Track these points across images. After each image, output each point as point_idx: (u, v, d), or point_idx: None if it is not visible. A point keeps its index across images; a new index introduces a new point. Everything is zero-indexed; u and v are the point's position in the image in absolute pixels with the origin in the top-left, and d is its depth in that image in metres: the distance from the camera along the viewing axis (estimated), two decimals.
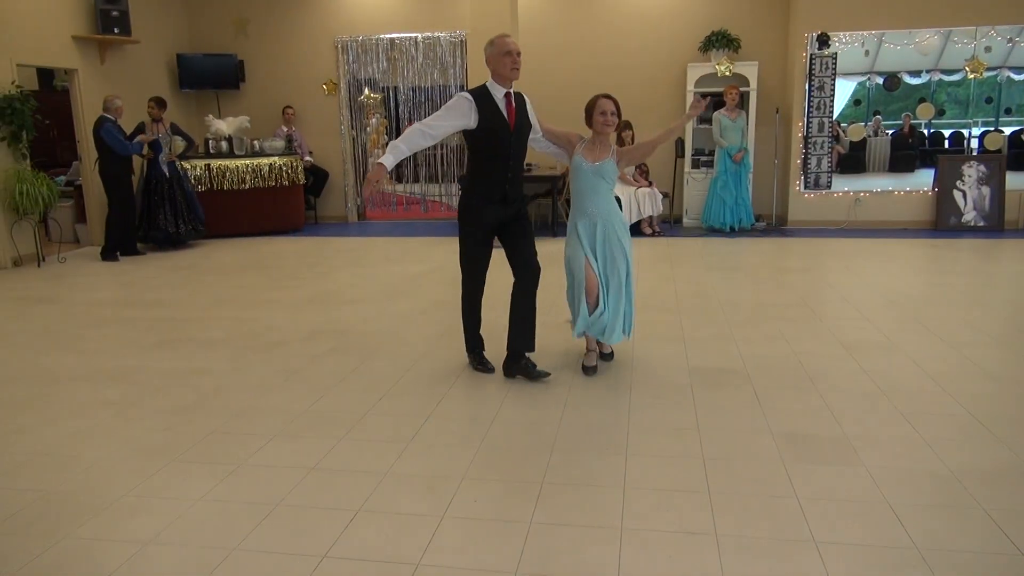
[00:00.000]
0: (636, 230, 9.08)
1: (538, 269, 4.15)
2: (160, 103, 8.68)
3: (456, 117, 3.92)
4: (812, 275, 6.87)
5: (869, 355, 4.48)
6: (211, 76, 10.65)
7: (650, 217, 9.12)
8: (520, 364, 4.13)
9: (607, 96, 4.29)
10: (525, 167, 10.32)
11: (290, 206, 10.09)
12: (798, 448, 3.25)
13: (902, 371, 4.21)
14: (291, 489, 2.97)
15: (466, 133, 3.99)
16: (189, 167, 9.39)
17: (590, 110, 4.30)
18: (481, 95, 3.95)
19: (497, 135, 3.96)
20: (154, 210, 8.71)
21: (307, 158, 10.53)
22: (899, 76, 10.23)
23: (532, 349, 4.15)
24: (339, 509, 2.80)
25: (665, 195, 9.52)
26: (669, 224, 9.77)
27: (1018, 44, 9.11)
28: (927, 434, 3.35)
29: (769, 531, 2.60)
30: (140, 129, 8.58)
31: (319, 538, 2.61)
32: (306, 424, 3.64)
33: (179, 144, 8.99)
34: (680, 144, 9.70)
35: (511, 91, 4.02)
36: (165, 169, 8.74)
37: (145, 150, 8.59)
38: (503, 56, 3.93)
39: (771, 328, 5.05)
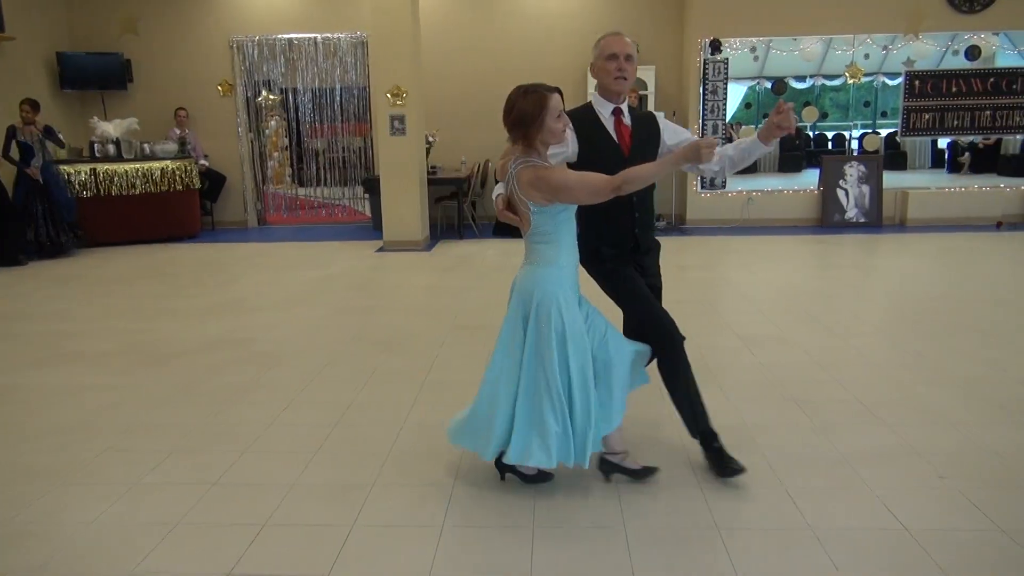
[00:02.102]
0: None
1: (679, 340, 3.05)
2: (34, 105, 8.19)
3: (558, 146, 2.90)
4: (710, 272, 7.13)
5: (765, 348, 4.69)
6: (95, 76, 10.09)
7: None
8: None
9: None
10: (430, 169, 10.11)
11: (185, 211, 9.69)
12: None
13: (795, 362, 4.42)
14: (192, 506, 2.85)
15: (571, 166, 2.97)
16: (72, 171, 8.89)
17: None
18: (581, 115, 3.01)
19: (600, 162, 2.88)
20: (29, 219, 8.21)
21: (202, 162, 10.15)
22: (786, 81, 10.75)
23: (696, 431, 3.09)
24: (244, 524, 2.71)
25: None
26: None
27: (891, 51, 9.74)
28: (819, 420, 3.53)
29: (676, 523, 2.68)
30: (11, 134, 8.07)
31: (223, 556, 2.52)
32: (206, 438, 3.50)
33: (57, 149, 8.50)
34: None
35: (624, 107, 3.03)
36: (39, 176, 8.24)
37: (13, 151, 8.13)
38: (605, 61, 2.96)
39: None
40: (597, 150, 2.99)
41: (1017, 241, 8.44)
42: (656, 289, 3.29)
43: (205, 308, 6.01)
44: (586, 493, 2.91)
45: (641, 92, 9.40)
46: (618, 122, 3.02)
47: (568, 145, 2.93)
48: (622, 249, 3.13)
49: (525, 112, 2.64)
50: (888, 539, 2.54)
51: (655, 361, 3.08)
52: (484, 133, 10.05)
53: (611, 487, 2.94)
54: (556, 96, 2.66)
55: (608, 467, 2.99)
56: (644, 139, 3.04)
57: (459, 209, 9.28)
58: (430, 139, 9.39)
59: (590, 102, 3.08)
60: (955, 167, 11.59)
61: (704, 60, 9.40)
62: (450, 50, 10.05)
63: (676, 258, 7.76)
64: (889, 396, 3.86)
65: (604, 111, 3.02)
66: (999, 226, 9.24)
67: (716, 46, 9.31)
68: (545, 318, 2.76)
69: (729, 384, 4.05)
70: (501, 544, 2.56)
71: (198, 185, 9.81)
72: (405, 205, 8.48)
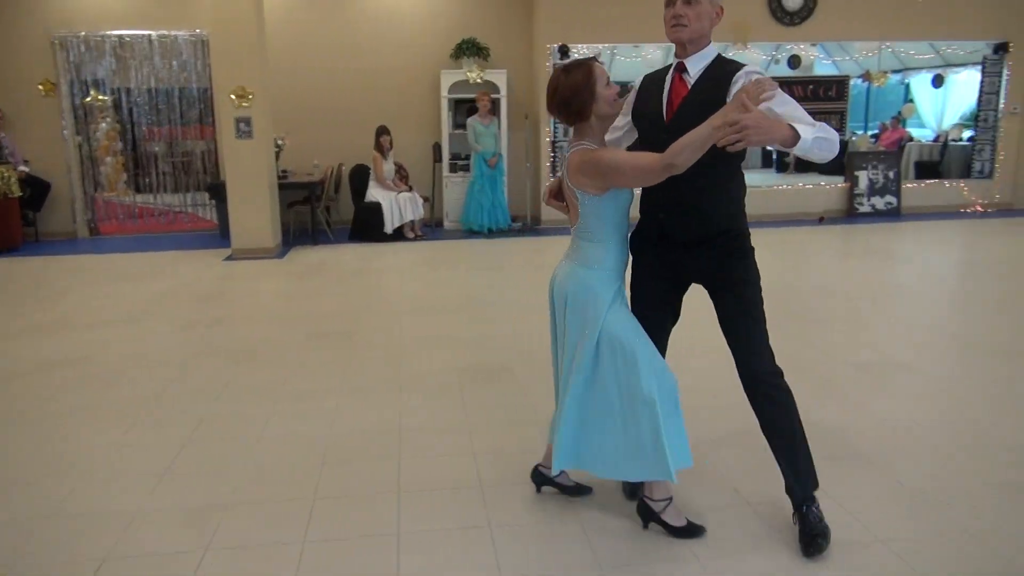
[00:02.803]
0: (399, 234, 9.11)
1: (762, 376, 2.53)
2: None
3: (620, 119, 2.68)
4: None
5: None
6: None
7: (412, 221, 9.21)
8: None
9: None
10: (280, 173, 9.71)
11: (3, 222, 8.82)
12: None
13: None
14: (20, 544, 2.59)
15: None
16: None
17: None
18: (651, 77, 2.62)
19: (644, 131, 2.61)
20: None
21: (22, 168, 9.26)
22: (629, 86, 11.24)
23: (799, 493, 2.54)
24: (80, 562, 2.50)
25: (425, 199, 9.65)
26: (431, 227, 9.91)
27: None
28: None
29: (543, 516, 2.73)
30: None
31: None
32: (37, 469, 3.20)
33: None
34: (438, 149, 9.88)
35: (691, 61, 2.47)
36: None
37: None
38: (664, 9, 2.47)
39: (536, 323, 5.31)
40: (643, 116, 2.60)
41: (837, 233, 9.26)
42: (730, 313, 2.53)
43: (34, 326, 5.50)
44: (454, 495, 2.90)
45: (494, 96, 9.52)
46: (676, 81, 2.49)
47: (628, 116, 2.64)
48: (643, 236, 2.65)
49: (575, 85, 2.42)
50: (738, 515, 2.70)
51: None
52: (337, 135, 9.83)
53: (474, 484, 2.96)
54: (599, 63, 2.49)
55: (540, 478, 2.87)
56: (699, 102, 2.37)
57: (313, 214, 9.03)
58: (279, 142, 9.06)
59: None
60: (782, 167, 12.54)
61: (554, 65, 9.65)
62: (300, 49, 9.74)
63: (534, 258, 7.92)
64: (726, 382, 4.11)
65: (671, 69, 2.52)
66: (821, 220, 10.11)
67: (564, 51, 9.58)
68: (583, 317, 2.52)
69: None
70: (365, 555, 2.51)
71: (18, 193, 8.95)
72: (254, 211, 8.14)
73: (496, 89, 9.66)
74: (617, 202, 2.49)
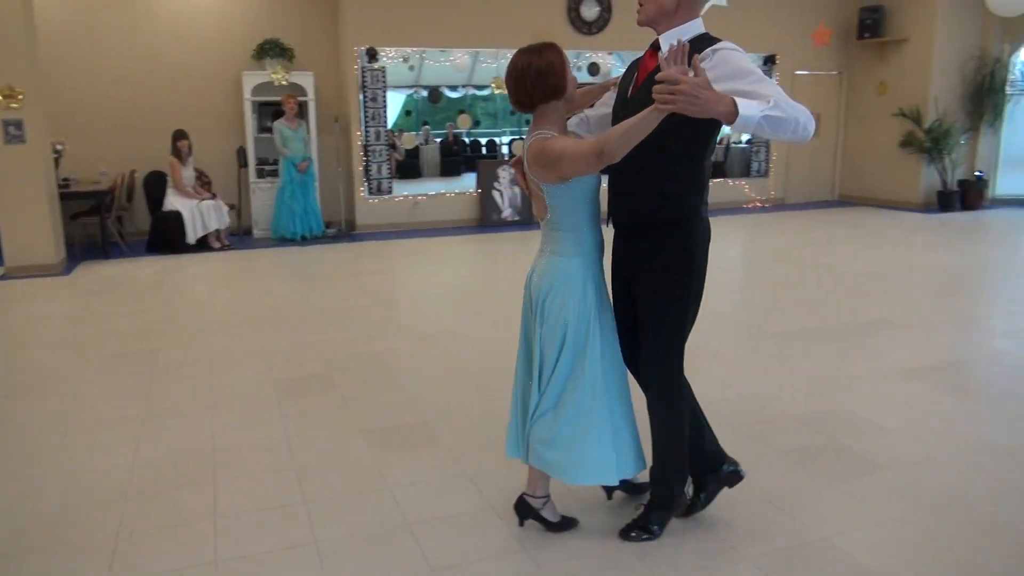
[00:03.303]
0: (204, 245, 8.58)
1: (653, 387, 2.53)
2: None
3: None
4: (385, 276, 7.25)
5: (442, 343, 4.89)
6: None
7: (217, 230, 8.70)
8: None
9: None
10: (61, 182, 8.86)
11: None
12: (386, 440, 3.41)
13: (470, 354, 4.69)
14: None
15: None
16: None
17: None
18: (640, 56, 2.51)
19: (615, 109, 2.53)
20: None
21: None
22: (440, 90, 11.34)
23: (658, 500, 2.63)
24: None
25: (231, 207, 9.16)
26: (239, 236, 9.42)
27: None
28: (495, 404, 3.79)
29: (366, 526, 2.68)
30: None
31: None
32: None
33: None
34: (243, 154, 9.41)
35: (665, 37, 2.35)
36: None
37: None
38: None
39: (355, 329, 5.20)
40: (617, 95, 2.54)
41: None
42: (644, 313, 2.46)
43: None
44: (275, 515, 2.78)
45: (301, 98, 9.22)
46: (647, 56, 2.43)
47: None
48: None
49: (551, 63, 2.35)
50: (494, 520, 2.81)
51: None
52: (128, 140, 9.08)
53: (297, 501, 2.85)
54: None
55: (525, 511, 2.65)
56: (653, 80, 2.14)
57: (103, 225, 8.26)
58: (58, 148, 8.21)
59: None
60: None
61: (362, 68, 9.52)
62: (79, 47, 8.87)
63: (350, 264, 7.77)
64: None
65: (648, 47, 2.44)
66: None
67: (373, 54, 9.47)
68: (553, 309, 2.42)
69: (411, 383, 4.16)
70: None
71: None
72: (31, 224, 7.31)
73: (303, 92, 9.36)
74: (582, 187, 2.38)
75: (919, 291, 6.31)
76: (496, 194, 10.38)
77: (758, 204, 11.75)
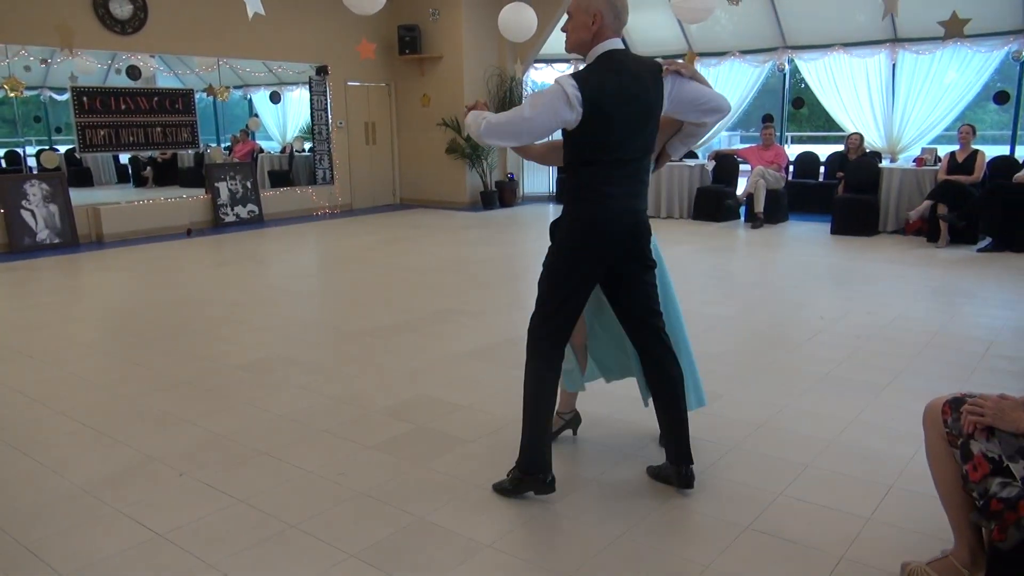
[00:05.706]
0: None
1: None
2: None
3: None
4: None
5: None
6: None
7: None
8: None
9: None
10: None
11: None
12: None
13: (11, 404, 3.93)
14: None
15: None
16: None
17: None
18: None
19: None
20: None
21: None
22: None
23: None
24: None
25: None
26: None
27: (52, 66, 9.39)
28: (51, 457, 3.23)
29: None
30: None
31: None
32: None
33: None
34: None
35: (585, 63, 2.76)
36: None
37: None
38: None
39: None
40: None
41: (207, 244, 9.34)
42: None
43: None
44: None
45: None
46: None
47: None
48: None
49: None
50: (146, 548, 2.53)
51: None
52: None
53: None
54: None
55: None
56: None
57: None
58: None
59: None
60: (140, 181, 11.99)
61: None
62: None
63: None
64: (117, 412, 3.81)
65: None
66: (189, 233, 10.04)
67: None
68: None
69: None
70: None
71: None
72: None
73: None
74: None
75: (477, 280, 7.09)
76: (27, 214, 8.88)
77: (327, 211, 11.99)
